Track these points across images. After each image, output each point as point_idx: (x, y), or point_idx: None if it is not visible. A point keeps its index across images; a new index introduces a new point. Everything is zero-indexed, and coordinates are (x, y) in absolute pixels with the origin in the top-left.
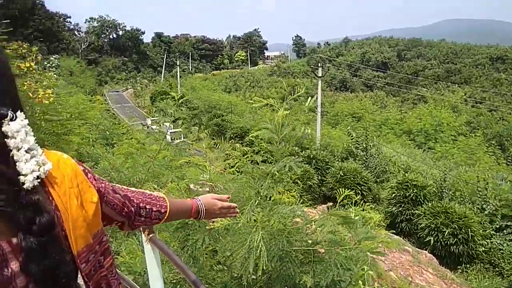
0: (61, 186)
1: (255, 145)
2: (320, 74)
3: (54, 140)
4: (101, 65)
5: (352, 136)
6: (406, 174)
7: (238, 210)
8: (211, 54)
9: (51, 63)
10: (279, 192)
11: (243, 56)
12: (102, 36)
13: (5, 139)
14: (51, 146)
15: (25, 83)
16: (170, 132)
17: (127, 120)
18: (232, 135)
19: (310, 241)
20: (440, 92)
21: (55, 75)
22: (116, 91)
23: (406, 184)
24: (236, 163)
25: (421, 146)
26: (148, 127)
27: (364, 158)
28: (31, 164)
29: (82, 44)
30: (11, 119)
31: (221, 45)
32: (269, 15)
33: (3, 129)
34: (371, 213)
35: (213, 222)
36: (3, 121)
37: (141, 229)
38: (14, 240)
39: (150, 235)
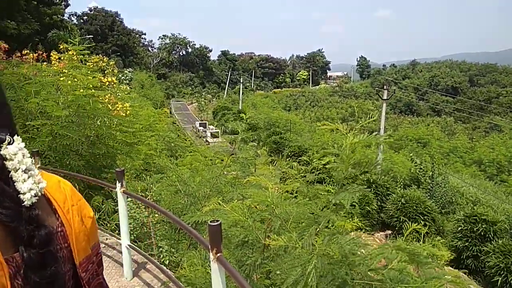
0: (65, 204)
1: (311, 165)
2: (385, 97)
3: (126, 150)
4: (170, 79)
5: (415, 162)
6: (475, 207)
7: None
8: (273, 72)
9: (125, 75)
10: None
11: (305, 75)
12: (173, 52)
13: (4, 162)
14: (123, 155)
15: (106, 96)
16: (211, 132)
17: (182, 122)
18: (289, 153)
19: (373, 275)
20: None
21: (129, 88)
22: (180, 101)
23: (474, 218)
24: (292, 182)
25: (493, 178)
26: (196, 128)
27: (429, 187)
28: (28, 183)
29: (154, 59)
30: (9, 143)
31: (284, 64)
32: (335, 37)
33: (1, 152)
34: (441, 250)
35: (269, 239)
36: (1, 145)
37: (210, 247)
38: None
39: (218, 255)
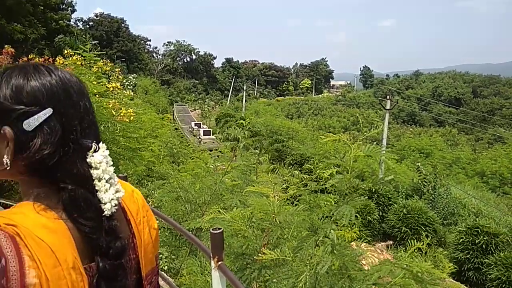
0: (138, 215)
1: (314, 173)
2: (388, 107)
3: (129, 155)
4: (174, 86)
5: (421, 172)
6: (477, 219)
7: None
8: (277, 80)
9: (129, 81)
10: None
11: (308, 83)
12: (177, 59)
13: (90, 170)
14: (126, 161)
15: (111, 102)
16: (204, 130)
17: (182, 123)
18: (291, 162)
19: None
20: None
21: (132, 93)
22: (182, 105)
23: (476, 229)
24: (294, 190)
25: (495, 190)
26: (192, 128)
27: (431, 198)
28: (110, 193)
29: (158, 66)
30: (95, 151)
31: (288, 72)
32: (339, 46)
33: (87, 160)
34: (443, 262)
35: (262, 254)
36: (88, 153)
37: (211, 254)
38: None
39: (219, 263)
